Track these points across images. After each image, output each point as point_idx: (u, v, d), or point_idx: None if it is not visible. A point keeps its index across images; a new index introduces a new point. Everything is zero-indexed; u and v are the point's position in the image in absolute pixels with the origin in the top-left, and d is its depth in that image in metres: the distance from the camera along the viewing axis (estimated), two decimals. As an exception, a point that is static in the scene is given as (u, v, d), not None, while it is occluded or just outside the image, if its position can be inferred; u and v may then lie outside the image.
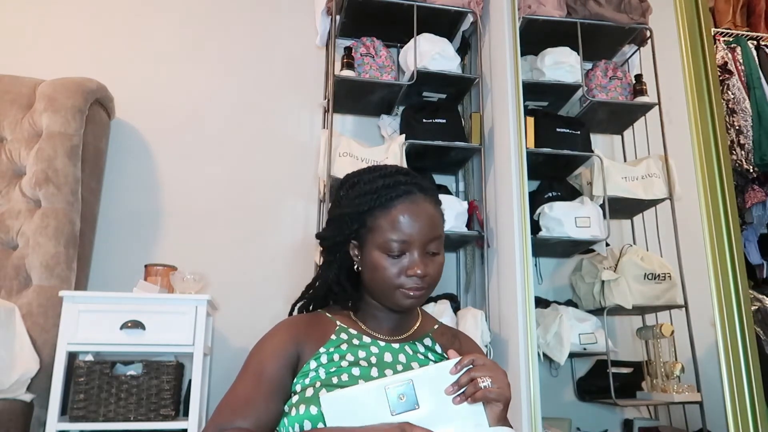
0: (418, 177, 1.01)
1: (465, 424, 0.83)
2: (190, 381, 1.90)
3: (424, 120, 2.30)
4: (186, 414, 1.83)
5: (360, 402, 0.80)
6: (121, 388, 1.80)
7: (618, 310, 2.22)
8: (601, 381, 2.15)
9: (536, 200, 2.28)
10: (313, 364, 0.91)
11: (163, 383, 1.83)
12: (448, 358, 0.91)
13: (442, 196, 1.07)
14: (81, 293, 1.90)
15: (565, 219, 2.18)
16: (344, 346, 0.94)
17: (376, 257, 0.95)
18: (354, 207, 0.97)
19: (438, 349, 1.03)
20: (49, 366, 1.77)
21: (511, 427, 0.86)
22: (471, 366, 0.86)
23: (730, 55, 2.50)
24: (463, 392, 0.84)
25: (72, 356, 1.83)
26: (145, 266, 2.07)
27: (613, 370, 2.10)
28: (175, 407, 1.84)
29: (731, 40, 2.57)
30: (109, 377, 1.80)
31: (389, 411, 0.80)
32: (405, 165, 2.16)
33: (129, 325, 1.80)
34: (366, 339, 0.97)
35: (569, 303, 2.34)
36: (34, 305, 1.89)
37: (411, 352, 0.99)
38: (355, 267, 1.00)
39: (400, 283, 0.94)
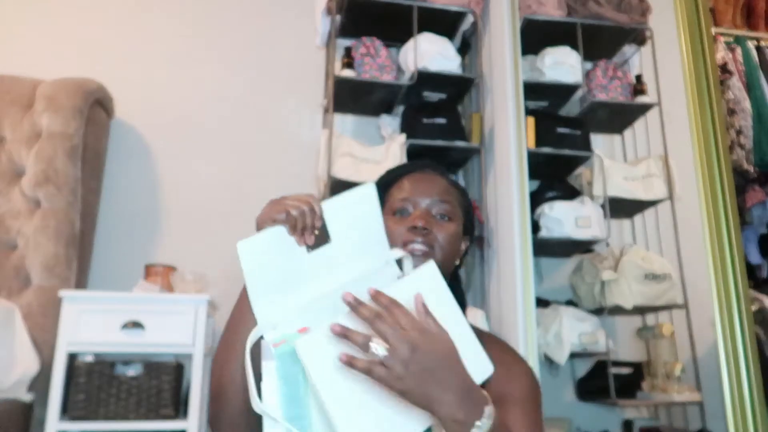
0: (434, 163, 1.04)
1: (375, 262, 0.85)
2: (189, 381, 1.90)
3: (424, 120, 2.30)
4: (186, 414, 1.83)
5: (275, 243, 0.77)
6: (121, 388, 1.80)
7: (618, 310, 2.22)
8: (601, 381, 2.15)
9: (536, 200, 2.28)
10: None
11: (163, 383, 1.83)
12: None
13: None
14: (81, 293, 1.90)
15: (565, 219, 2.18)
16: None
17: (384, 221, 0.93)
18: None
19: None
20: (49, 366, 1.77)
21: None
22: (380, 308, 0.69)
23: (730, 55, 2.50)
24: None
25: (72, 356, 1.82)
26: (145, 266, 2.07)
27: (613, 370, 2.10)
28: (174, 407, 1.84)
29: (731, 40, 2.57)
30: (109, 377, 1.80)
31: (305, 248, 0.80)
32: (405, 165, 2.16)
33: (129, 325, 1.80)
34: None
35: (569, 303, 2.34)
36: (34, 305, 1.89)
37: None
38: None
39: (405, 239, 0.92)
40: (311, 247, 0.79)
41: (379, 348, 0.65)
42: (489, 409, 0.69)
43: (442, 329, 0.70)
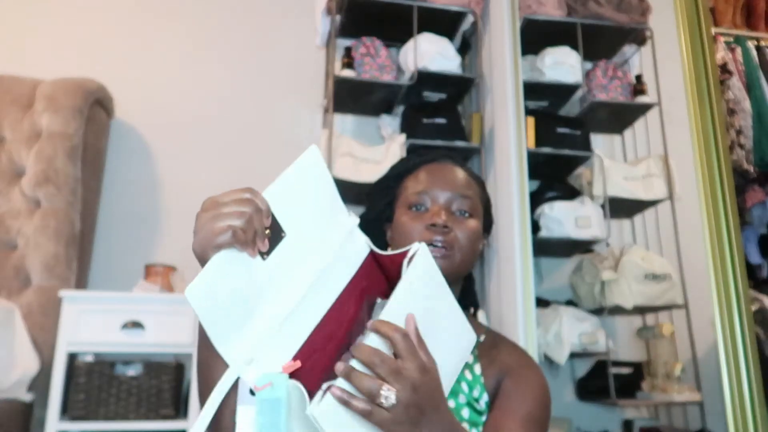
0: (453, 154, 0.98)
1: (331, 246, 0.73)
2: (189, 381, 1.90)
3: (424, 120, 2.30)
4: (186, 414, 1.83)
5: (226, 270, 0.63)
6: (121, 388, 1.80)
7: (618, 310, 2.22)
8: (601, 381, 2.15)
9: (536, 200, 2.28)
10: None
11: (163, 383, 1.83)
12: (485, 385, 0.80)
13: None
14: (81, 293, 1.90)
15: (565, 219, 2.18)
16: None
17: (399, 216, 0.89)
18: (384, 177, 0.96)
19: (478, 369, 0.88)
20: (49, 366, 1.77)
21: None
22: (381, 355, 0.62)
23: (730, 55, 2.50)
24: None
25: (72, 356, 1.83)
26: (145, 266, 2.07)
27: (613, 370, 2.10)
28: (174, 407, 1.84)
29: (731, 40, 2.57)
30: (109, 377, 1.80)
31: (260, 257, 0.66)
32: (405, 165, 2.16)
33: (129, 325, 1.80)
34: None
35: (569, 303, 2.34)
36: (34, 305, 1.89)
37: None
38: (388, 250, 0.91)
39: (422, 238, 0.84)
40: (266, 253, 0.66)
41: (390, 396, 0.60)
42: None
43: (432, 360, 0.66)
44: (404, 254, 0.74)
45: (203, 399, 0.67)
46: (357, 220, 0.78)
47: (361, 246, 0.78)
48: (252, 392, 0.62)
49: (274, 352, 0.65)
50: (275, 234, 0.67)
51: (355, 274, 0.76)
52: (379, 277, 0.80)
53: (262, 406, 0.61)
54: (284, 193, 0.69)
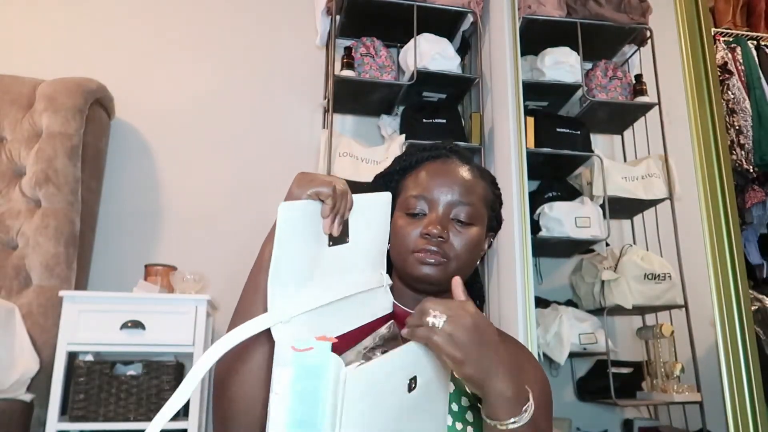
0: (460, 148, 0.92)
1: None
2: (190, 381, 1.90)
3: (424, 120, 2.30)
4: (186, 414, 1.83)
5: (310, 220, 0.69)
6: (121, 388, 1.80)
7: (618, 310, 2.22)
8: (601, 381, 2.15)
9: (536, 200, 2.28)
10: None
11: (163, 383, 1.83)
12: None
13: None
14: (81, 293, 1.90)
15: (565, 219, 2.18)
16: None
17: (396, 218, 0.85)
18: (386, 171, 0.92)
19: None
20: (49, 366, 1.77)
21: None
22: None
23: (730, 55, 2.50)
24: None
25: (72, 356, 1.83)
26: (145, 266, 2.07)
27: (613, 370, 2.11)
28: (175, 407, 1.84)
29: (731, 40, 2.57)
30: (109, 377, 1.80)
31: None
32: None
33: (129, 325, 1.80)
34: None
35: (569, 303, 2.34)
36: (34, 305, 1.89)
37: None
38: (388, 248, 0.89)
39: (416, 246, 0.81)
40: (333, 241, 0.71)
41: (438, 319, 0.62)
42: (531, 395, 0.67)
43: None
44: None
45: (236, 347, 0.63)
46: (390, 282, 0.84)
47: (388, 302, 0.83)
48: (290, 353, 0.58)
49: (305, 329, 0.66)
50: (344, 233, 0.71)
51: (371, 321, 0.78)
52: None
53: (303, 370, 0.57)
54: (357, 207, 0.73)
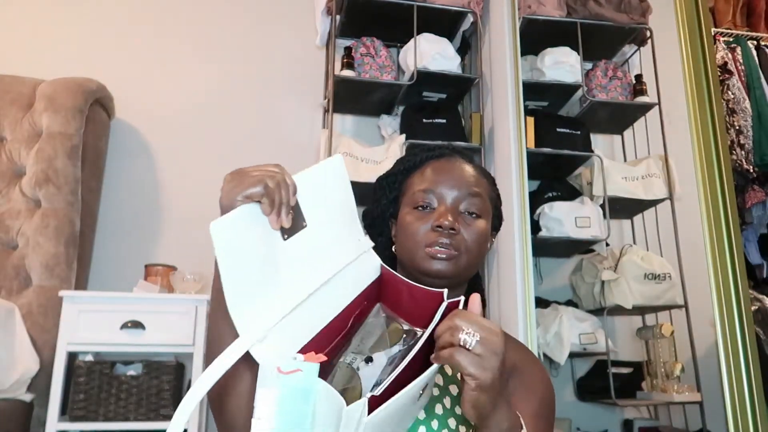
0: (461, 149, 0.94)
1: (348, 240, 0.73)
2: (190, 381, 1.90)
3: (424, 120, 2.30)
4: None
5: (250, 226, 0.62)
6: (121, 388, 1.80)
7: (618, 310, 2.22)
8: (601, 381, 2.15)
9: (536, 200, 2.28)
10: None
11: (163, 383, 1.83)
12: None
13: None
14: (81, 293, 1.90)
15: (565, 219, 2.18)
16: None
17: (404, 215, 0.85)
18: (389, 172, 0.92)
19: None
20: (49, 366, 1.77)
21: None
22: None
23: (730, 55, 2.50)
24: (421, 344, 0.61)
25: (72, 356, 1.83)
26: (145, 266, 2.07)
27: (613, 370, 2.11)
28: (175, 407, 1.82)
29: (731, 40, 2.57)
30: (109, 377, 1.80)
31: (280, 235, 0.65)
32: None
33: (129, 325, 1.80)
34: None
35: (569, 303, 2.34)
36: (34, 305, 1.89)
37: (450, 372, 0.81)
38: (392, 248, 0.89)
39: (427, 240, 0.81)
40: (287, 233, 0.65)
41: (472, 338, 0.58)
42: (522, 421, 0.67)
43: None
44: (430, 293, 0.71)
45: (220, 379, 0.60)
46: (372, 243, 0.78)
47: (374, 267, 0.78)
48: (274, 375, 0.55)
49: (285, 338, 0.61)
50: (297, 220, 0.66)
51: (361, 293, 0.74)
52: (376, 298, 0.78)
53: (289, 393, 0.54)
54: (308, 185, 0.68)
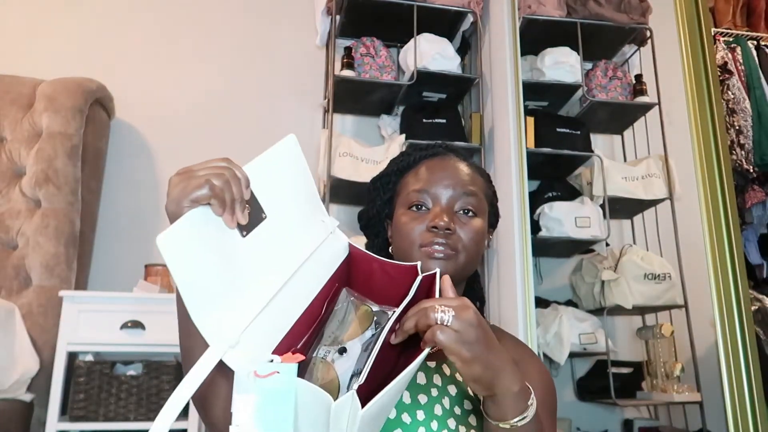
0: (455, 146, 0.94)
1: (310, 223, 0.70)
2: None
3: (424, 120, 2.30)
4: (186, 414, 1.83)
5: (202, 231, 0.58)
6: (121, 388, 1.80)
7: (618, 310, 2.22)
8: (601, 381, 2.15)
9: (536, 200, 2.28)
10: None
11: (163, 383, 1.83)
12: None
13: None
14: (81, 293, 1.90)
15: (565, 219, 2.18)
16: None
17: (399, 215, 0.85)
18: (383, 173, 0.92)
19: None
20: (49, 366, 1.77)
21: None
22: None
23: (730, 55, 2.50)
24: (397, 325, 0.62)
25: (72, 356, 1.83)
26: (145, 266, 2.07)
27: (613, 370, 2.11)
28: (175, 407, 1.84)
29: (731, 40, 2.57)
30: (109, 377, 1.80)
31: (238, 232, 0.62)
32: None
33: (129, 325, 1.80)
34: None
35: (569, 303, 2.34)
36: (34, 305, 1.89)
37: (449, 373, 0.80)
38: (389, 249, 0.89)
39: (423, 241, 0.81)
40: (245, 229, 0.61)
41: (446, 314, 0.59)
42: (531, 388, 0.67)
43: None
44: (404, 267, 0.72)
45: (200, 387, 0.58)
46: (337, 222, 0.77)
47: (342, 246, 0.76)
48: (251, 380, 0.54)
49: (258, 339, 0.59)
50: (255, 213, 0.63)
51: (332, 274, 0.73)
52: (346, 278, 0.77)
53: (268, 397, 0.52)
54: (263, 173, 0.65)
